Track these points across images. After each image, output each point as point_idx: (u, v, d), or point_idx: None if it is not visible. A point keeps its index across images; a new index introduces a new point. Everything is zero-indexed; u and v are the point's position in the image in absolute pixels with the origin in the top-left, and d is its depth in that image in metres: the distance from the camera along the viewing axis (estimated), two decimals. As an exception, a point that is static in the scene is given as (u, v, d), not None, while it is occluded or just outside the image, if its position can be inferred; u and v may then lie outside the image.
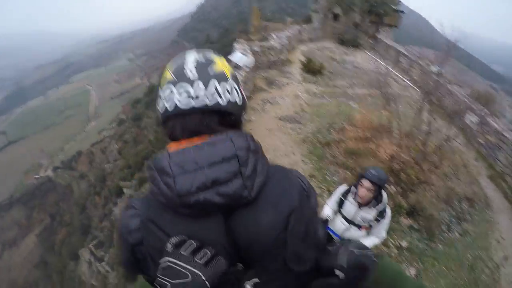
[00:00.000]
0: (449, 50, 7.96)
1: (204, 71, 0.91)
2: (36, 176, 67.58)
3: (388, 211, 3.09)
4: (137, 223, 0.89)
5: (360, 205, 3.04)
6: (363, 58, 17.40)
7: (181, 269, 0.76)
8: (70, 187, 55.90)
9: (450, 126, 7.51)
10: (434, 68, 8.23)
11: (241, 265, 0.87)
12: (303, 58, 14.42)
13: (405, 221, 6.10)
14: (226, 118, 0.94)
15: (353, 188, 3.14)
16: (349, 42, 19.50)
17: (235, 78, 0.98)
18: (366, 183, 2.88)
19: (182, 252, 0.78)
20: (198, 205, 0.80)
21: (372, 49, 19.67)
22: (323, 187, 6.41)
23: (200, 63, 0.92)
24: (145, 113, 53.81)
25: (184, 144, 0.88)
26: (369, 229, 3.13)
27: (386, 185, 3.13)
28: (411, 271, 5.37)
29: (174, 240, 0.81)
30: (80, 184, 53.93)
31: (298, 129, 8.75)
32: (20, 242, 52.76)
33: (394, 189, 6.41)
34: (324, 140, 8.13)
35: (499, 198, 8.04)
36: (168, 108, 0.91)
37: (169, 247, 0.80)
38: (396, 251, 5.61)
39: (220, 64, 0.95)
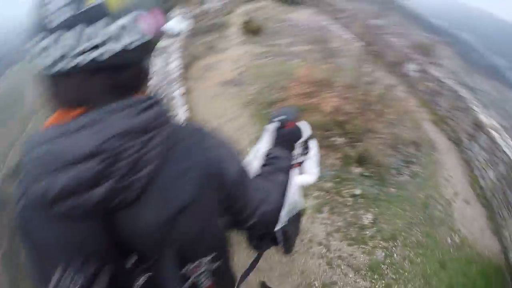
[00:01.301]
0: (387, 2, 7.92)
1: (73, 10, 0.60)
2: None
3: (313, 143, 2.90)
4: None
5: None
6: (303, 15, 17.35)
7: None
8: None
9: (391, 76, 7.58)
10: (374, 21, 8.24)
11: (135, 258, 0.73)
12: (241, 19, 14.22)
13: (356, 169, 6.36)
14: (119, 74, 0.67)
15: None
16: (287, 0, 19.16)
17: (132, 4, 0.66)
18: None
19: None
20: (60, 214, 0.63)
21: (313, 5, 19.59)
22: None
23: None
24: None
25: (62, 118, 0.67)
26: (300, 166, 3.05)
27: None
28: (368, 217, 5.62)
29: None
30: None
31: (241, 92, 8.72)
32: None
33: (341, 140, 6.50)
34: (268, 99, 8.17)
35: (443, 140, 8.59)
36: (42, 65, 0.65)
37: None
38: (350, 199, 5.85)
39: None
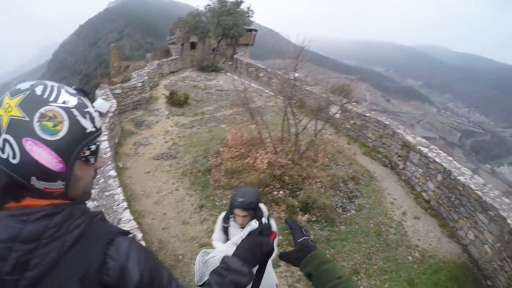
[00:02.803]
0: (298, 55, 8.99)
1: None
2: None
3: (272, 222, 2.93)
4: None
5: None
6: (225, 80, 19.17)
7: None
8: None
9: (316, 122, 8.66)
10: (291, 75, 9.15)
11: None
12: (167, 92, 15.12)
13: (302, 217, 6.83)
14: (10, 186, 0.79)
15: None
16: (209, 68, 21.31)
17: (16, 127, 0.75)
18: (238, 211, 2.79)
19: None
20: None
21: (232, 69, 21.89)
22: (215, 213, 6.78)
23: None
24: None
25: None
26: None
27: (261, 202, 3.02)
28: (325, 259, 5.86)
29: None
30: None
31: (176, 164, 9.10)
32: None
33: (282, 193, 7.02)
34: (203, 167, 8.63)
35: (379, 168, 9.61)
36: None
37: None
38: (303, 247, 6.08)
39: None
